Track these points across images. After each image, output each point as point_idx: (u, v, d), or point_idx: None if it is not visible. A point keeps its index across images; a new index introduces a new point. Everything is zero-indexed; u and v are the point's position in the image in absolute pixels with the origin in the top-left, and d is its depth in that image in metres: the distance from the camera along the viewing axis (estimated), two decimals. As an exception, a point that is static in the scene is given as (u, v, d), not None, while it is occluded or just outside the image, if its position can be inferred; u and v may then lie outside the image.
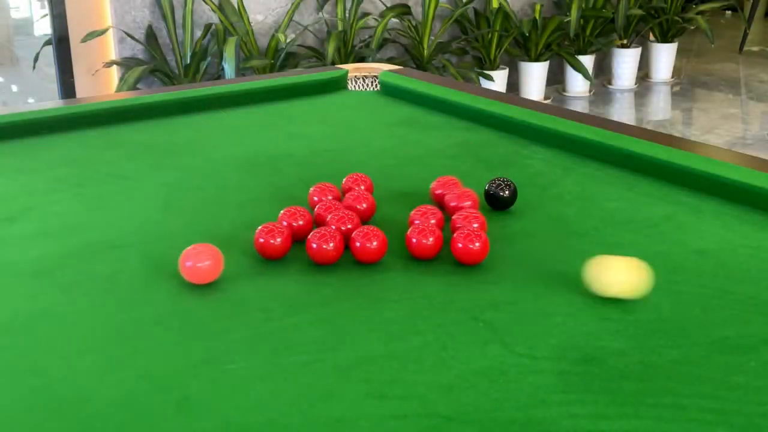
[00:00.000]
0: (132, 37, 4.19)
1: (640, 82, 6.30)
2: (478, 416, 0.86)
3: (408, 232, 1.25)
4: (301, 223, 1.29)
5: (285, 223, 1.28)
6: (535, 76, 5.54)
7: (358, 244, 1.21)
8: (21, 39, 5.67)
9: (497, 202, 1.43)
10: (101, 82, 4.26)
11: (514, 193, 1.43)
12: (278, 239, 1.22)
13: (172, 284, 1.17)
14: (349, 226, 1.26)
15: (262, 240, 1.23)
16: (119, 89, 3.91)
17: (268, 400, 0.89)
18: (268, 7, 4.69)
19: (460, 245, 1.20)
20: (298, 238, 1.29)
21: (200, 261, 1.15)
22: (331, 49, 4.28)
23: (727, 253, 1.26)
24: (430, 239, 1.23)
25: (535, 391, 0.90)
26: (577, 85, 5.87)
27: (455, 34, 5.42)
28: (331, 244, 1.20)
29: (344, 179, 1.48)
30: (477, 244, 1.20)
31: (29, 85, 5.38)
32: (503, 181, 1.43)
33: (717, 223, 1.37)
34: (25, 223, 1.41)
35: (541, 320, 1.06)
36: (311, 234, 1.22)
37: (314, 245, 1.21)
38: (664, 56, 6.36)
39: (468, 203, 1.36)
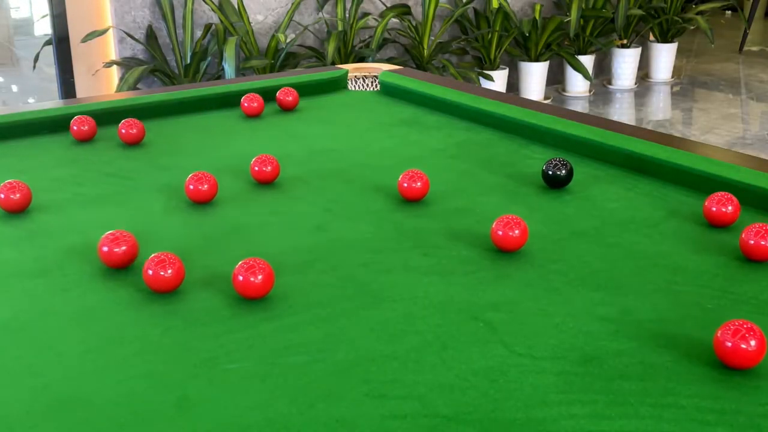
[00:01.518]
0: (132, 37, 4.19)
1: (640, 82, 6.30)
2: (478, 416, 0.86)
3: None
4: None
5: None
6: (535, 76, 5.54)
7: (240, 278, 1.11)
8: (21, 39, 5.67)
9: (555, 182, 1.52)
10: (101, 82, 4.25)
11: (570, 172, 1.52)
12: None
13: (172, 284, 1.17)
14: None
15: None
16: (119, 89, 3.90)
17: (268, 400, 0.89)
18: (268, 7, 4.68)
19: (729, 344, 0.95)
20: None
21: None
22: (331, 49, 4.28)
23: (727, 253, 1.26)
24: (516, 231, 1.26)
25: (535, 391, 0.90)
26: (577, 85, 5.86)
27: (455, 34, 5.41)
28: (170, 271, 1.13)
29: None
30: (753, 343, 0.94)
31: (29, 85, 5.38)
32: (559, 161, 1.52)
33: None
34: (25, 223, 1.40)
35: (541, 320, 1.06)
36: (148, 260, 1.14)
37: (150, 272, 1.13)
38: (664, 56, 6.36)
39: None
